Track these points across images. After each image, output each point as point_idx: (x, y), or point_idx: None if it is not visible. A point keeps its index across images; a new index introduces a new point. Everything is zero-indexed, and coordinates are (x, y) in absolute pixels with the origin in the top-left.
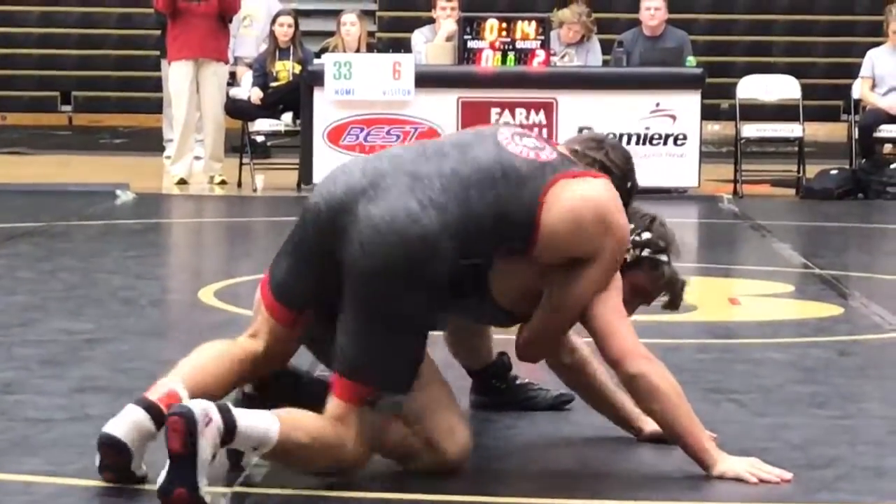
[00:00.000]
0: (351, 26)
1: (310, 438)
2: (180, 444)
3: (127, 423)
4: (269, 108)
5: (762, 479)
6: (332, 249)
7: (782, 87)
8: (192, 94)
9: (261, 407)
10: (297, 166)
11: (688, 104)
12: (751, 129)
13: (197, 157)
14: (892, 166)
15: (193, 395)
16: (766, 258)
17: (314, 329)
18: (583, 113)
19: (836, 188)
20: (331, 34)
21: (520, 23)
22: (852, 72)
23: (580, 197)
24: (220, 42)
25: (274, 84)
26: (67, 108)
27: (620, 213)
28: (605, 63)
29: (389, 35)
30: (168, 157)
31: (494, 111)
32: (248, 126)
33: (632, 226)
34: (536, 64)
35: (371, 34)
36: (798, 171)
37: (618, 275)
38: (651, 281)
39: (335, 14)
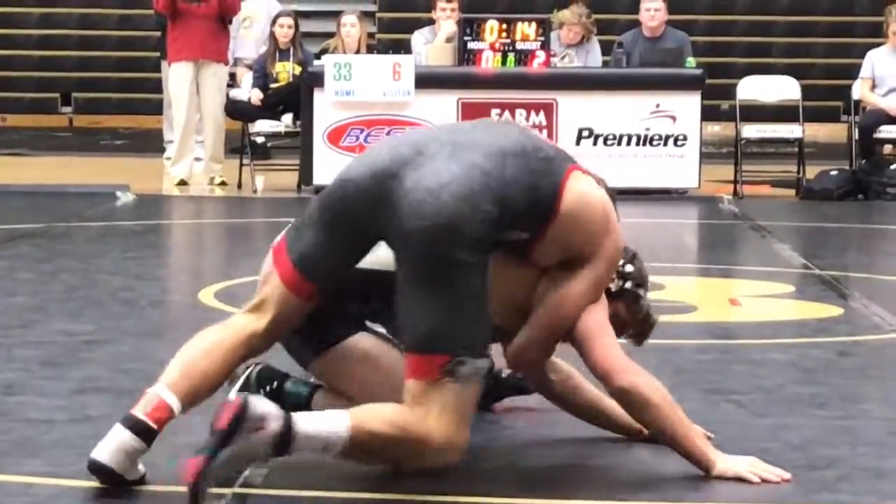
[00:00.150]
0: (351, 27)
1: (389, 426)
2: (225, 423)
3: (112, 447)
4: (270, 109)
5: (764, 479)
6: (374, 220)
7: (782, 88)
8: (192, 95)
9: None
10: (297, 167)
11: (688, 105)
12: (751, 130)
13: (197, 159)
14: (892, 167)
15: (183, 399)
16: (766, 259)
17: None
18: (583, 114)
19: (836, 189)
20: (331, 35)
21: (520, 24)
22: (852, 73)
23: (593, 189)
24: (220, 43)
25: (274, 85)
26: (68, 109)
27: (616, 223)
28: (605, 64)
29: (389, 36)
30: (168, 159)
31: (494, 112)
32: (249, 127)
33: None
34: (536, 65)
35: (371, 35)
36: (798, 172)
37: (602, 295)
38: (631, 313)
39: (335, 15)
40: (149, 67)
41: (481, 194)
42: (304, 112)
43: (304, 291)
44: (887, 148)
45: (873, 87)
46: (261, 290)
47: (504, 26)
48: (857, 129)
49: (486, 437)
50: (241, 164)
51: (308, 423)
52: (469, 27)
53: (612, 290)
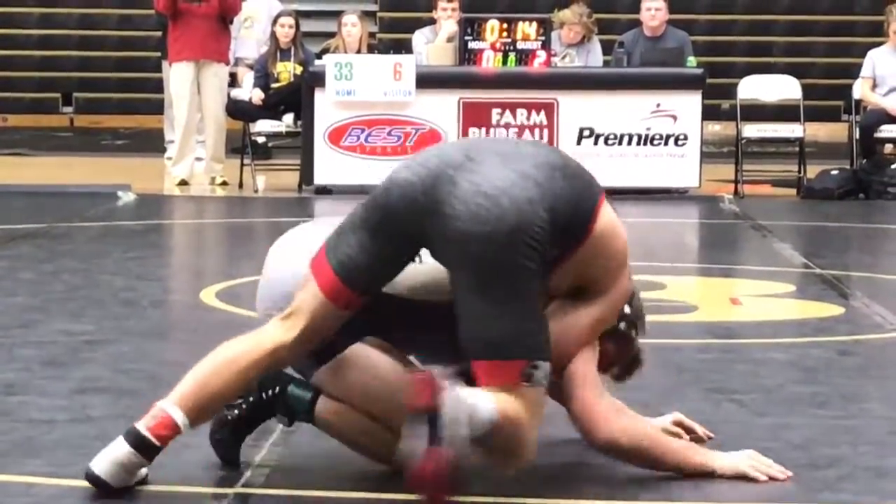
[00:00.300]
0: (352, 27)
1: (519, 426)
2: (429, 402)
3: (110, 460)
4: (270, 109)
5: (770, 476)
6: (422, 224)
7: (783, 88)
8: (192, 95)
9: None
10: (298, 167)
11: (688, 104)
12: (751, 130)
13: (198, 159)
14: (892, 166)
15: (192, 416)
16: (766, 258)
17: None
18: (584, 114)
19: (837, 188)
20: (332, 35)
21: (520, 23)
22: (853, 72)
23: (619, 224)
24: (221, 43)
25: (275, 85)
26: (68, 109)
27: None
28: (606, 63)
29: (390, 36)
30: (169, 159)
31: (495, 112)
32: (249, 127)
33: None
34: (537, 64)
35: (372, 35)
36: (799, 172)
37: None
38: (618, 354)
39: (336, 15)
40: (150, 67)
41: (538, 202)
42: (305, 112)
43: (343, 299)
44: (888, 147)
45: (874, 86)
46: (297, 296)
47: (505, 26)
48: (857, 129)
49: None
50: (242, 164)
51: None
52: (470, 27)
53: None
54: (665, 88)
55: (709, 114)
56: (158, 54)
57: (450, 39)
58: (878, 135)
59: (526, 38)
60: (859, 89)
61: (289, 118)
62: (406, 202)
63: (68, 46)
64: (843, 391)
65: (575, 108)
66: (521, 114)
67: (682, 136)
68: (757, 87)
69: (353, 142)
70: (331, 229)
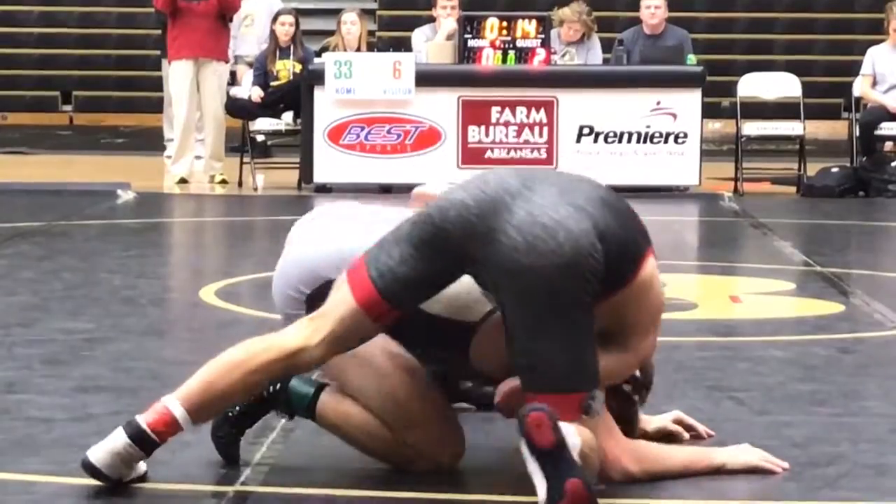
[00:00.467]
0: (351, 25)
1: (593, 453)
2: (552, 440)
3: (108, 451)
4: (270, 107)
5: (781, 467)
6: (472, 249)
7: (783, 85)
8: (192, 93)
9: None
10: (297, 165)
11: (688, 102)
12: (751, 127)
13: (197, 157)
14: (892, 164)
15: (195, 415)
16: (766, 256)
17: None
18: (583, 111)
19: (837, 186)
20: (331, 33)
21: (520, 21)
22: (853, 69)
23: (659, 283)
24: (221, 41)
25: (274, 83)
26: (68, 107)
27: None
28: (606, 61)
29: (390, 34)
30: (169, 157)
31: (495, 110)
32: (249, 125)
33: None
34: (537, 62)
35: (371, 33)
36: (799, 169)
37: None
38: (616, 413)
39: (335, 13)
40: (149, 65)
41: (593, 237)
42: (304, 110)
43: (376, 311)
44: (888, 145)
45: (874, 83)
46: (327, 304)
47: (504, 24)
48: (857, 126)
49: (484, 436)
50: (242, 163)
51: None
52: (469, 25)
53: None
54: (665, 86)
55: (709, 112)
56: (158, 52)
57: (449, 37)
58: (878, 132)
59: (525, 36)
60: (859, 87)
61: (288, 116)
62: (461, 223)
63: (68, 45)
64: (843, 389)
65: (575, 106)
66: (521, 112)
67: (682, 134)
68: (757, 85)
69: (353, 140)
70: (353, 212)
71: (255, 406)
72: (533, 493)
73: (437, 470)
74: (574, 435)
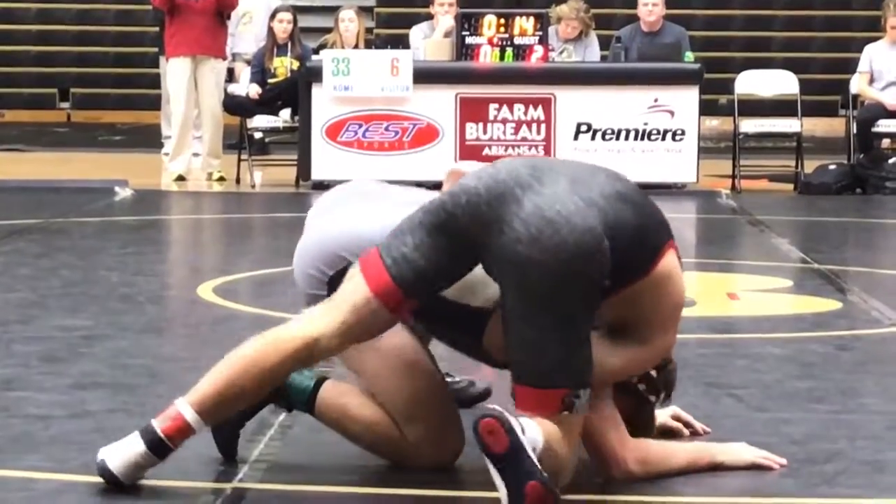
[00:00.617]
0: (349, 22)
1: (560, 446)
2: (506, 444)
3: (126, 460)
4: (267, 104)
5: (779, 464)
6: (483, 237)
7: (780, 83)
8: (190, 90)
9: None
10: (295, 163)
11: (686, 99)
12: (749, 125)
13: (195, 154)
14: (890, 161)
15: (208, 417)
16: (764, 253)
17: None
18: (581, 109)
19: (835, 183)
20: (329, 30)
21: (518, 19)
22: (850, 67)
23: (681, 278)
24: (218, 38)
25: (272, 80)
26: (66, 104)
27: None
28: (604, 59)
29: (387, 31)
30: (166, 154)
31: (493, 107)
32: (247, 122)
33: None
34: (535, 60)
35: (369, 30)
36: (796, 167)
37: None
38: (630, 412)
39: (333, 10)
40: (147, 63)
41: (600, 233)
42: (302, 107)
43: (392, 300)
44: (885, 142)
45: (871, 81)
46: (339, 295)
47: (502, 21)
48: (855, 124)
49: None
50: (240, 160)
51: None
52: (467, 22)
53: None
54: (662, 83)
55: (706, 109)
56: (156, 50)
57: (447, 34)
58: (875, 129)
59: (523, 34)
60: (857, 84)
61: (286, 113)
62: (471, 210)
63: (66, 42)
64: (840, 386)
65: (572, 104)
66: (519, 109)
67: (679, 131)
68: (754, 82)
69: (351, 137)
70: (377, 190)
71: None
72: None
73: (436, 467)
74: (536, 433)
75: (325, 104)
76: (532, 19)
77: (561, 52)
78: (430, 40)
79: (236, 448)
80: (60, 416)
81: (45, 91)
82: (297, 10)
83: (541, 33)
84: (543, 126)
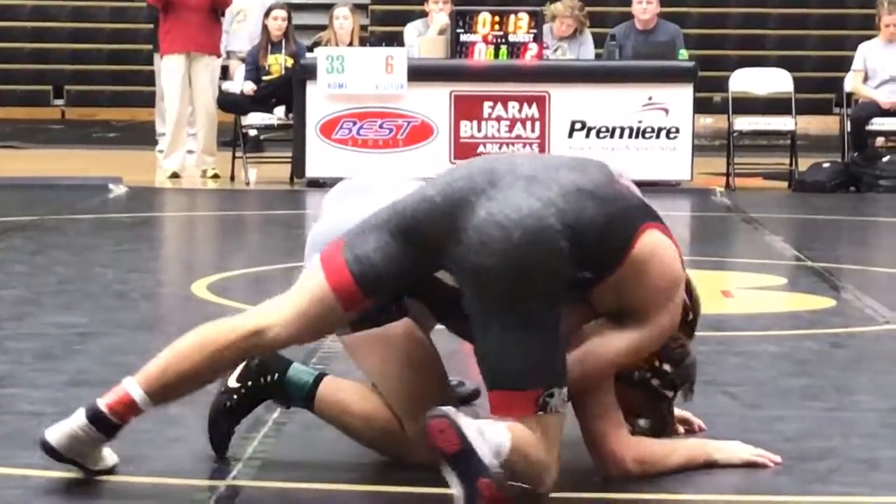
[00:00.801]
0: (344, 20)
1: (534, 449)
2: (457, 443)
3: (65, 431)
4: (262, 101)
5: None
6: (442, 247)
7: (775, 81)
8: (184, 87)
9: (245, 401)
10: (289, 160)
11: (680, 97)
12: (743, 123)
13: (189, 151)
14: (884, 159)
15: (155, 396)
16: (758, 251)
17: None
18: (575, 106)
19: (829, 181)
20: (323, 28)
21: (512, 16)
22: (844, 65)
23: (668, 254)
24: (212, 36)
25: (266, 78)
26: (60, 101)
27: (682, 297)
28: (598, 56)
29: (382, 29)
30: (161, 151)
31: (487, 105)
32: (241, 120)
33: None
34: (529, 57)
35: (364, 28)
36: (790, 164)
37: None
38: (642, 408)
39: (328, 8)
40: (141, 60)
41: (554, 233)
42: (296, 105)
43: (348, 296)
44: (879, 140)
45: (865, 79)
46: (298, 287)
47: (497, 19)
48: (849, 122)
49: None
50: (234, 157)
51: (484, 422)
52: (461, 19)
53: (634, 377)
54: (657, 81)
55: (701, 107)
56: (150, 47)
57: (441, 32)
58: (869, 128)
59: (518, 31)
60: (851, 82)
61: (280, 111)
62: (429, 218)
63: (60, 39)
64: (834, 383)
65: (567, 102)
66: (513, 107)
67: (673, 129)
68: (749, 80)
69: (345, 134)
70: (393, 182)
71: (254, 396)
72: (524, 488)
73: (431, 464)
74: (501, 436)
75: (319, 102)
76: (526, 17)
77: (555, 50)
78: (425, 38)
79: (228, 445)
80: (54, 413)
81: (39, 88)
82: (292, 8)
83: (535, 31)
84: (538, 124)
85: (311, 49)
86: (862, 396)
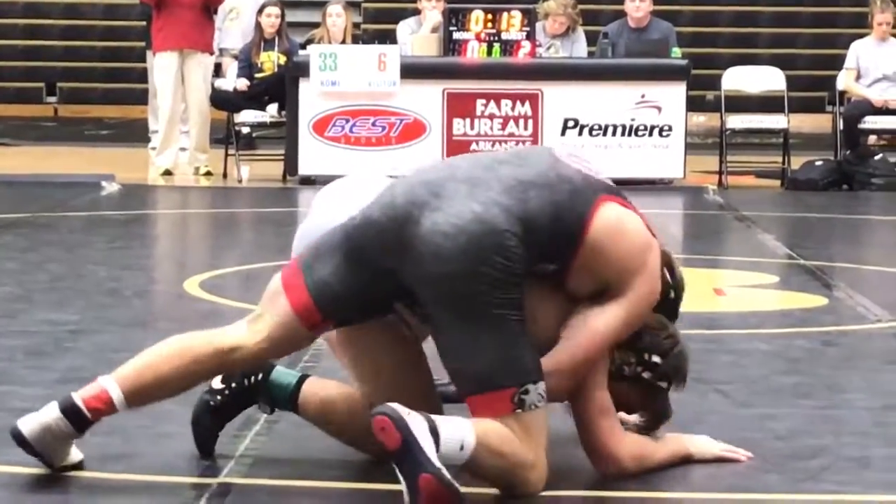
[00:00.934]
0: (337, 17)
1: (506, 449)
2: (398, 439)
3: (38, 421)
4: (255, 99)
5: (733, 457)
6: (393, 263)
7: (767, 79)
8: (177, 85)
9: (231, 403)
10: (282, 157)
11: (673, 95)
12: (736, 121)
13: (182, 149)
14: (876, 158)
15: (131, 397)
16: (750, 249)
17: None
18: (568, 104)
19: (821, 179)
20: (316, 25)
21: (505, 14)
22: (837, 63)
23: (629, 224)
24: (205, 33)
25: (259, 75)
26: (53, 99)
27: (657, 263)
28: (591, 54)
29: (375, 26)
30: (153, 149)
31: (480, 102)
32: (234, 117)
33: (649, 339)
34: (522, 55)
35: (357, 25)
36: (783, 163)
37: (606, 355)
38: (638, 403)
39: (321, 5)
40: (134, 57)
41: (501, 232)
42: (289, 102)
43: (311, 320)
44: (872, 138)
45: (858, 77)
46: (263, 309)
47: (489, 16)
48: (841, 120)
49: None
50: (227, 154)
51: (442, 419)
52: (454, 17)
53: (625, 372)
54: (650, 79)
55: (693, 105)
56: (143, 44)
57: (434, 30)
58: (862, 126)
59: (511, 29)
60: (843, 80)
61: (273, 108)
62: (377, 240)
63: (53, 36)
64: (826, 382)
65: (559, 99)
66: (506, 104)
67: (666, 127)
68: (741, 79)
69: (338, 132)
70: (375, 183)
71: (237, 398)
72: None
73: None
74: (462, 431)
75: (312, 99)
76: (519, 15)
77: (548, 48)
78: (418, 35)
79: (214, 446)
80: None
81: (32, 85)
82: (285, 5)
83: (528, 29)
84: (531, 122)
85: (303, 46)
86: (853, 395)
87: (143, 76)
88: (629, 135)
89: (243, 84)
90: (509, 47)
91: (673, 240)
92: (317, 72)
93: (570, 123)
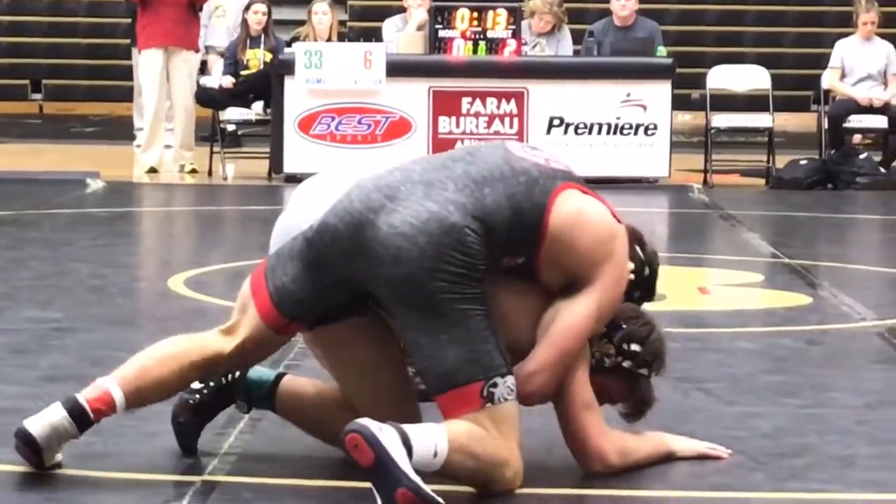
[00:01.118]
0: (322, 15)
1: (480, 448)
2: (371, 456)
3: (46, 423)
4: (240, 96)
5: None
6: (354, 270)
7: (752, 78)
8: (162, 82)
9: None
10: (267, 155)
11: (658, 94)
12: (721, 119)
13: (167, 146)
14: (861, 156)
15: (130, 399)
16: (735, 248)
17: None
18: (554, 103)
19: (806, 178)
20: (302, 23)
21: (491, 12)
22: (822, 62)
23: (591, 210)
24: (191, 30)
25: (244, 72)
26: (37, 96)
27: (624, 248)
28: (576, 53)
29: (361, 24)
30: (138, 146)
31: (466, 101)
32: (219, 115)
33: (626, 328)
34: (508, 53)
35: (342, 23)
36: (768, 161)
37: (586, 349)
38: (622, 393)
39: (306, 3)
40: (119, 54)
41: (460, 228)
42: (274, 100)
43: (277, 324)
44: (856, 137)
45: (842, 76)
46: (236, 316)
47: (475, 15)
48: (826, 119)
49: None
50: (212, 152)
51: (413, 426)
52: (440, 15)
53: (606, 364)
54: (635, 78)
55: (679, 103)
56: (128, 41)
57: (420, 28)
58: (846, 125)
59: (496, 27)
60: (828, 79)
61: (258, 106)
62: (335, 247)
63: (38, 33)
64: (810, 381)
65: (545, 98)
66: (492, 103)
67: (651, 126)
68: (727, 77)
69: (323, 130)
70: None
71: (216, 397)
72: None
73: None
74: (434, 437)
75: (297, 97)
76: (505, 13)
77: (534, 47)
78: (403, 33)
79: (196, 444)
80: (29, 408)
81: (16, 82)
82: (271, 2)
83: (514, 27)
84: (516, 120)
85: (289, 44)
86: (838, 393)
87: (128, 73)
88: (614, 133)
89: (229, 82)
90: (495, 45)
91: (658, 238)
92: (302, 69)
93: (556, 122)
